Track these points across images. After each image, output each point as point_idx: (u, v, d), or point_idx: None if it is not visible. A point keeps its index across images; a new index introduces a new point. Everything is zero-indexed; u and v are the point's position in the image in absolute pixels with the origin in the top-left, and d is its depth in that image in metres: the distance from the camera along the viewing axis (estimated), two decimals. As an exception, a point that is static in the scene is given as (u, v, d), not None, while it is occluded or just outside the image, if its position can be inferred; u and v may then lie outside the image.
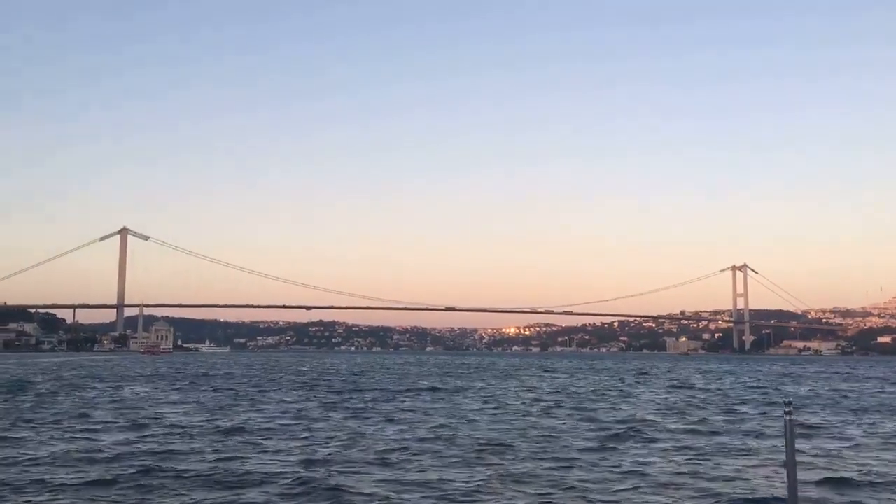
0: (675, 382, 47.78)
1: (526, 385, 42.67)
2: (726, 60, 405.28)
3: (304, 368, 76.16)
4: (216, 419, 22.20)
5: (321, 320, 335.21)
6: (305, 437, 17.91)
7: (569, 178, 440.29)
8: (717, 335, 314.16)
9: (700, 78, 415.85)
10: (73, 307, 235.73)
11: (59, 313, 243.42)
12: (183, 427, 20.09)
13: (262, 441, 17.22)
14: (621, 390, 38.80)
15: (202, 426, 20.37)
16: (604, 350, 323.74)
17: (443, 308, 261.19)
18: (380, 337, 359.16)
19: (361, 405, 27.77)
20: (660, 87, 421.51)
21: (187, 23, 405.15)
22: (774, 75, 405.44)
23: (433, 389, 37.96)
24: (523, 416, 23.85)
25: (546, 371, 70.59)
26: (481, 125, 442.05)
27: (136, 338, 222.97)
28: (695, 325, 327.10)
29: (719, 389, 40.06)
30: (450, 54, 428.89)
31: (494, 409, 26.54)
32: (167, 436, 18.22)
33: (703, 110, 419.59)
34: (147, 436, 18.23)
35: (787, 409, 6.90)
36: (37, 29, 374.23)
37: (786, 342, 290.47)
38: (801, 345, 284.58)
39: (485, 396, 32.92)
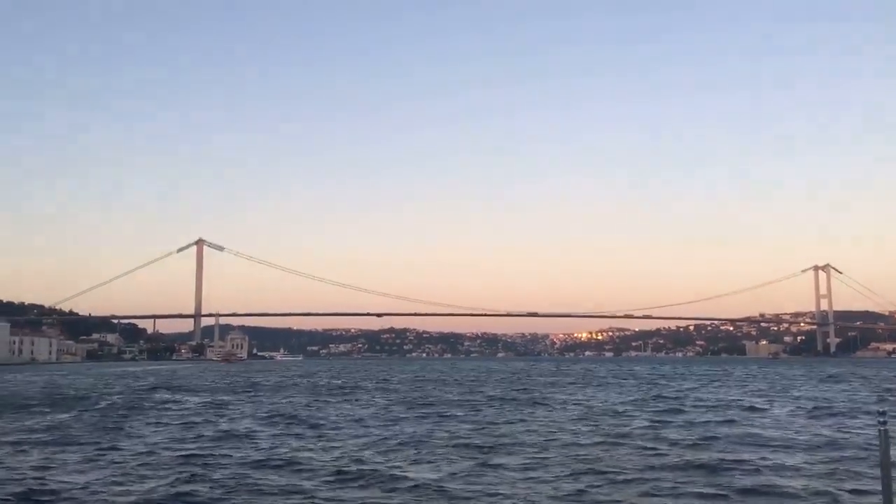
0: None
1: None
2: (805, 49, 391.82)
3: (388, 376, 74.45)
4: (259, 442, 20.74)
5: (392, 327, 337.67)
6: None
7: (638, 179, 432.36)
8: (799, 338, 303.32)
9: (772, 71, 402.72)
10: (153, 317, 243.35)
11: (140, 323, 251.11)
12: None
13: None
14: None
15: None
16: (679, 354, 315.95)
17: (525, 313, 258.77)
18: (450, 343, 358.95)
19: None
20: (727, 80, 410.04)
21: (263, 33, 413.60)
22: (855, 66, 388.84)
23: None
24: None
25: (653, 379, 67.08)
26: (538, 130, 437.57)
27: (212, 347, 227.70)
28: (775, 328, 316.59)
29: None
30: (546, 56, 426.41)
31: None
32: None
33: (777, 103, 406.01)
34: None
35: (881, 419, 6.36)
36: (120, 37, 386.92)
37: (873, 344, 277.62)
38: (890, 347, 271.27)
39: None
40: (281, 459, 16.35)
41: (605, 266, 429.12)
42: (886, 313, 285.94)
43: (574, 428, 22.28)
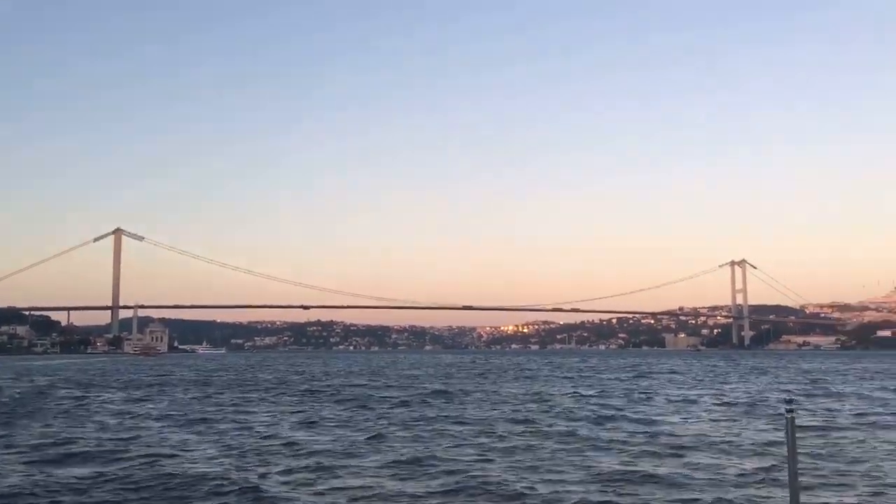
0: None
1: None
2: (718, 54, 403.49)
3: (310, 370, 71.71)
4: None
5: (319, 320, 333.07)
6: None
7: (563, 175, 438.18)
8: (715, 331, 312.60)
9: (691, 70, 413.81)
10: (67, 309, 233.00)
11: (54, 315, 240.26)
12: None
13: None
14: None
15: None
16: (602, 347, 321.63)
17: (455, 307, 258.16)
18: (378, 336, 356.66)
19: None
20: (650, 79, 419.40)
21: (177, 26, 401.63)
22: (771, 69, 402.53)
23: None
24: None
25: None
26: (470, 125, 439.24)
27: (130, 339, 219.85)
28: (693, 322, 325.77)
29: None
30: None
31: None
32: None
33: (697, 103, 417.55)
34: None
35: (788, 408, 6.51)
36: (35, 39, 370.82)
37: (785, 337, 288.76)
38: (800, 339, 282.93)
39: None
40: (168, 474, 13.87)
41: (530, 260, 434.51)
42: (797, 307, 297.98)
43: (512, 427, 21.21)
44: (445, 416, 24.26)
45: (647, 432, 19.82)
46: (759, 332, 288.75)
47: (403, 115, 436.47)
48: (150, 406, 30.08)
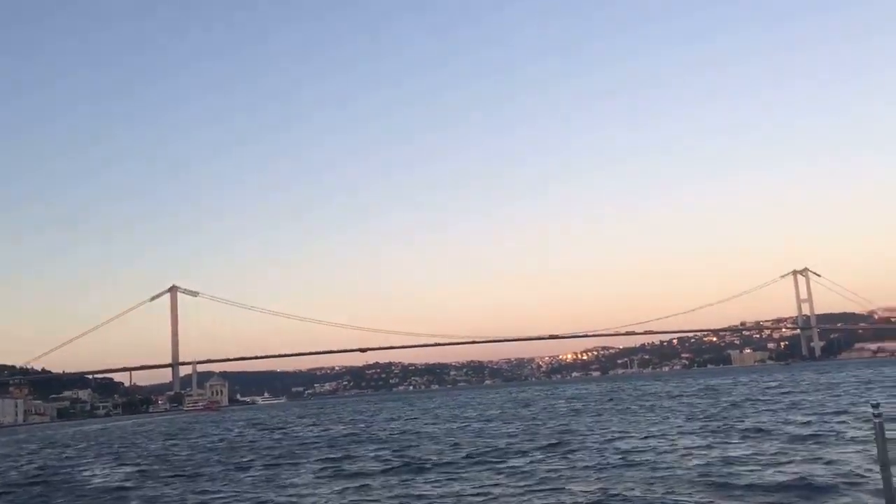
0: None
1: None
2: (766, 58, 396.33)
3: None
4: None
5: (377, 362, 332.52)
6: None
7: (614, 196, 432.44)
8: (782, 344, 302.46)
9: (740, 74, 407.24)
10: (128, 370, 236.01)
11: (117, 377, 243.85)
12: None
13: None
14: None
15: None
16: (666, 369, 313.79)
17: (511, 339, 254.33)
18: (437, 374, 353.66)
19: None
20: (700, 87, 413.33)
21: (230, 75, 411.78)
22: (825, 69, 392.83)
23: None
24: None
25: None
26: (516, 152, 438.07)
27: (191, 395, 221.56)
28: (757, 336, 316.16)
29: None
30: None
31: None
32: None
33: (746, 111, 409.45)
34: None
35: (875, 413, 6.61)
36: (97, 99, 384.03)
37: (857, 345, 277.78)
38: (874, 346, 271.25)
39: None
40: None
41: (584, 285, 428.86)
42: (866, 313, 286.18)
43: None
44: None
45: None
46: (828, 341, 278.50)
47: (446, 148, 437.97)
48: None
